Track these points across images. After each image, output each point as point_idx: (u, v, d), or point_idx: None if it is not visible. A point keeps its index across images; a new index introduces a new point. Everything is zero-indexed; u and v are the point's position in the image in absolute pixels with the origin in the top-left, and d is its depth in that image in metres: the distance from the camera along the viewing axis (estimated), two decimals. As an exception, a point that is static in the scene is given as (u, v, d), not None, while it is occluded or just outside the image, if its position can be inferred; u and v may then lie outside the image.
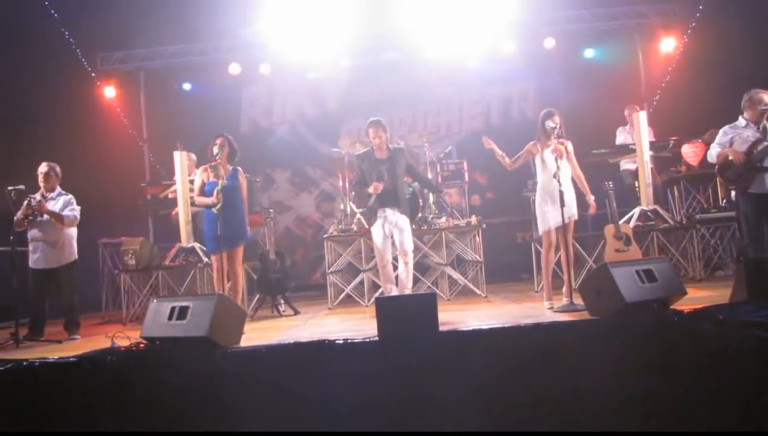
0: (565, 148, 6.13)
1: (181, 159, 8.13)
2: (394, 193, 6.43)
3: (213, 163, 6.28)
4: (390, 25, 11.00)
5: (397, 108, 11.98)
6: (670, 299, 4.87)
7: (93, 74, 11.29)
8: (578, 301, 5.61)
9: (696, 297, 5.78)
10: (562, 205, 5.91)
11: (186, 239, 8.06)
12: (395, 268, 6.70)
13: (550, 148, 6.14)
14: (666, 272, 4.89)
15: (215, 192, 6.03)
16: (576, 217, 6.25)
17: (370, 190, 6.40)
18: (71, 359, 4.46)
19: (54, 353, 4.98)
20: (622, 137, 9.45)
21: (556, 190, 5.98)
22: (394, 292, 6.45)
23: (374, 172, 6.41)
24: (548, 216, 6.19)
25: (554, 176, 5.99)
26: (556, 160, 6.01)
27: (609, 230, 7.49)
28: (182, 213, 8.06)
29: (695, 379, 4.17)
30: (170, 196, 8.77)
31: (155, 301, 4.90)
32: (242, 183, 6.53)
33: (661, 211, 8.27)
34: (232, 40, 11.37)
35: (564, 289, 6.22)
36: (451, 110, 12.23)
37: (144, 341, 4.75)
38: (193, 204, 7.43)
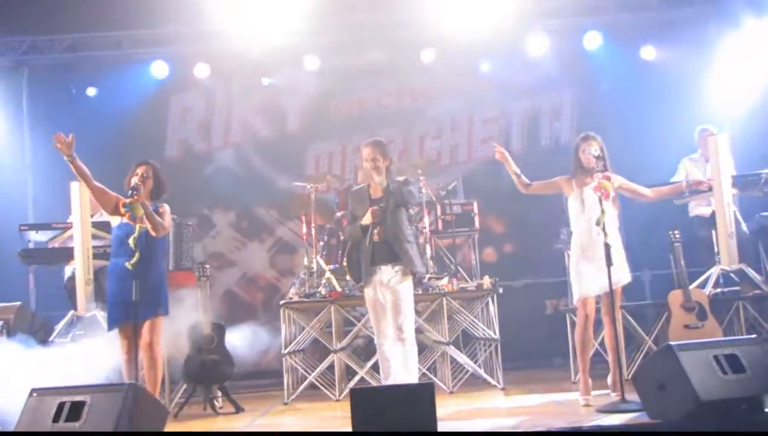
0: (613, 184, 6.18)
1: (80, 192, 8.08)
2: (392, 245, 6.31)
3: (129, 200, 6.24)
4: (375, 14, 11.16)
5: (382, 127, 11.89)
6: (764, 398, 4.85)
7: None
8: (632, 397, 5.59)
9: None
10: (609, 263, 5.91)
11: (84, 306, 7.98)
12: None
13: (591, 185, 6.19)
14: (758, 358, 4.91)
15: (131, 240, 6.01)
16: (627, 280, 6.28)
17: (364, 221, 6.32)
18: None
19: None
20: (684, 172, 9.30)
21: (598, 243, 6.04)
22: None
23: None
24: (586, 279, 6.23)
25: (597, 223, 6.02)
26: (600, 201, 6.05)
27: (675, 297, 7.52)
28: (81, 268, 8.00)
29: None
30: (57, 245, 8.69)
31: (35, 394, 4.86)
32: (167, 227, 6.55)
33: (749, 271, 8.30)
34: (155, 30, 11.42)
35: (609, 379, 6.20)
36: (458, 131, 12.30)
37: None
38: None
